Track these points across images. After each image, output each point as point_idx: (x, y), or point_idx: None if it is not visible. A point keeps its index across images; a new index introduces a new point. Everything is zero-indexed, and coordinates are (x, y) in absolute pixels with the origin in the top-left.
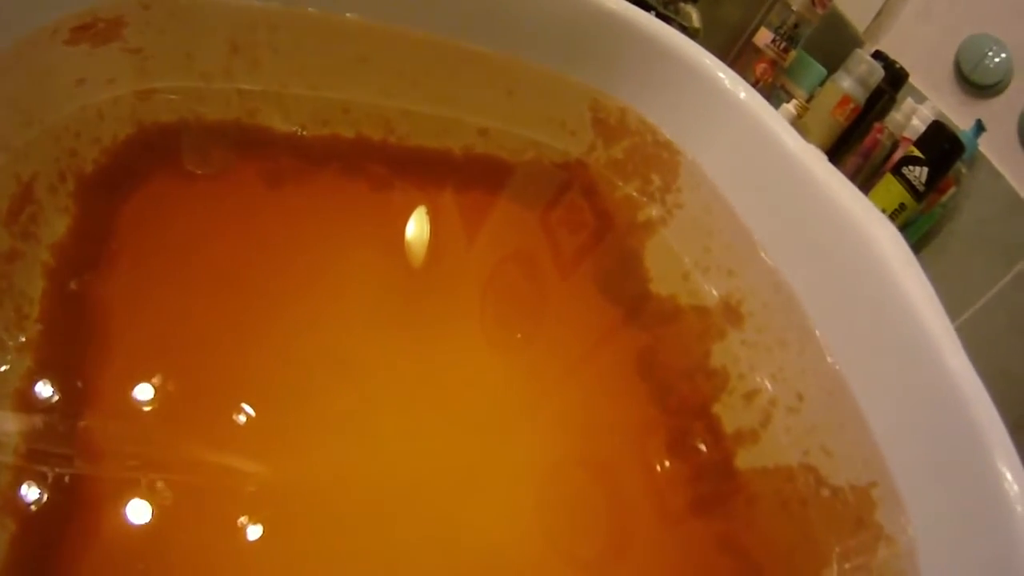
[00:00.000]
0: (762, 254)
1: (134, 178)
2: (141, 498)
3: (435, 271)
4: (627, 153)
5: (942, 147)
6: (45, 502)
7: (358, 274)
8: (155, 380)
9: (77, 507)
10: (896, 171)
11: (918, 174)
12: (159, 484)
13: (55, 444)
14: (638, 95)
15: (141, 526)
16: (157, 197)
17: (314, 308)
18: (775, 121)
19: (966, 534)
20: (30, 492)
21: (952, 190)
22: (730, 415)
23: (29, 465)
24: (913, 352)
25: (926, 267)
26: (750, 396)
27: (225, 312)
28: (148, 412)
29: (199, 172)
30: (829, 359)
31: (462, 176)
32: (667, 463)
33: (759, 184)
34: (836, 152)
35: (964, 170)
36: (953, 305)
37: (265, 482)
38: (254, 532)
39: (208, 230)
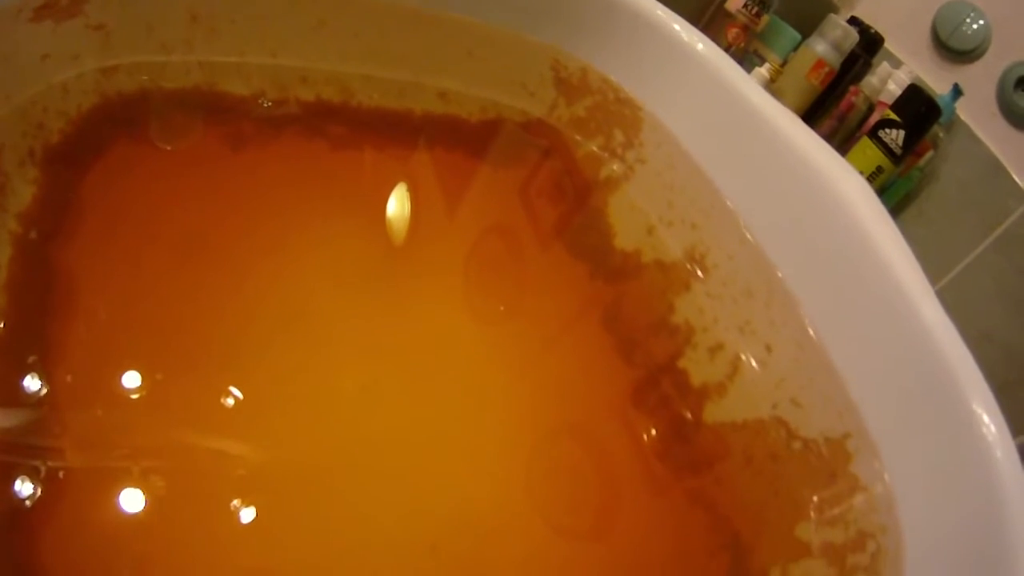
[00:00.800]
0: (727, 205)
1: (98, 147)
2: (134, 486)
3: (399, 231)
4: (589, 111)
5: (918, 110)
6: (39, 496)
7: (323, 239)
8: (124, 347)
9: (71, 499)
10: (872, 134)
11: (895, 137)
12: (151, 472)
13: (46, 438)
14: (598, 53)
15: (136, 514)
16: (121, 164)
17: (285, 273)
18: (735, 72)
19: (945, 481)
20: (24, 487)
21: (930, 154)
22: (697, 369)
23: (21, 460)
24: (884, 299)
25: (906, 231)
26: (716, 349)
27: (191, 273)
28: (135, 400)
29: (161, 139)
30: (798, 310)
31: (423, 136)
32: (636, 420)
33: (721, 136)
34: (811, 116)
35: (942, 134)
36: (934, 269)
37: (255, 464)
38: (247, 514)
39: (172, 193)
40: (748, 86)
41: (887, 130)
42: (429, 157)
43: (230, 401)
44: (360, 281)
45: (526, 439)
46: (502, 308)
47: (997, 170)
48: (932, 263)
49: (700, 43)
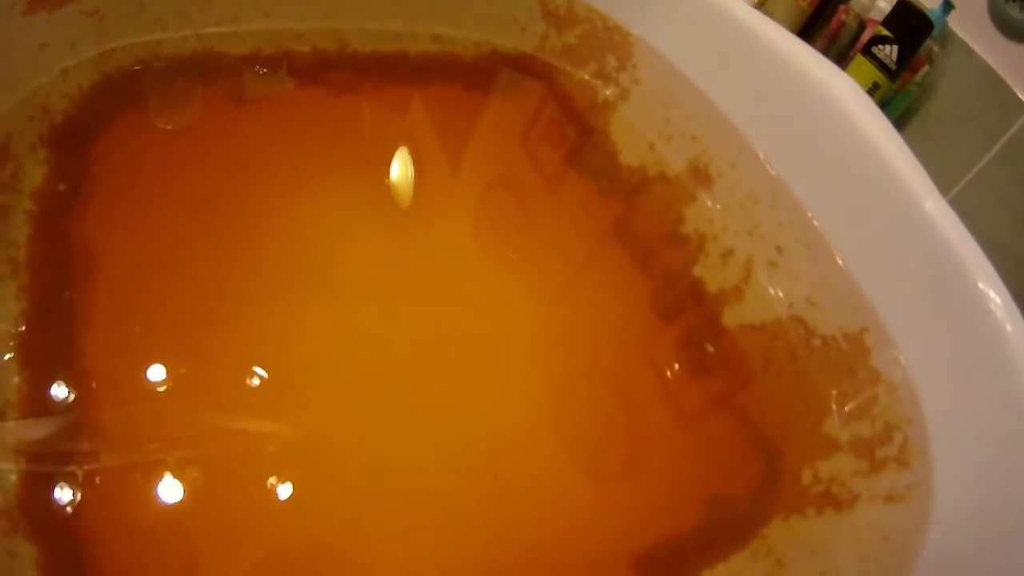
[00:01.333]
0: (723, 116)
1: (102, 121)
2: (172, 477)
3: (406, 169)
4: (580, 39)
5: (910, 24)
6: (80, 500)
7: (331, 185)
8: (143, 315)
9: (112, 498)
10: (866, 51)
11: (888, 52)
12: (186, 461)
13: (78, 442)
14: None
15: (176, 504)
16: (126, 134)
17: (297, 221)
18: None
19: (962, 363)
20: (63, 494)
21: (925, 68)
22: (712, 275)
23: (58, 468)
24: (884, 193)
25: (908, 147)
26: (728, 255)
27: (204, 230)
28: (162, 385)
29: (163, 106)
30: (804, 211)
31: (421, 75)
32: (657, 329)
33: (711, 52)
34: (802, 38)
35: (936, 48)
36: (938, 184)
37: (286, 439)
38: (284, 490)
39: (179, 155)
40: (732, 1)
41: (880, 46)
42: (428, 94)
43: (255, 379)
44: (373, 223)
45: (554, 354)
46: (517, 231)
47: (995, 82)
48: (936, 178)
49: None
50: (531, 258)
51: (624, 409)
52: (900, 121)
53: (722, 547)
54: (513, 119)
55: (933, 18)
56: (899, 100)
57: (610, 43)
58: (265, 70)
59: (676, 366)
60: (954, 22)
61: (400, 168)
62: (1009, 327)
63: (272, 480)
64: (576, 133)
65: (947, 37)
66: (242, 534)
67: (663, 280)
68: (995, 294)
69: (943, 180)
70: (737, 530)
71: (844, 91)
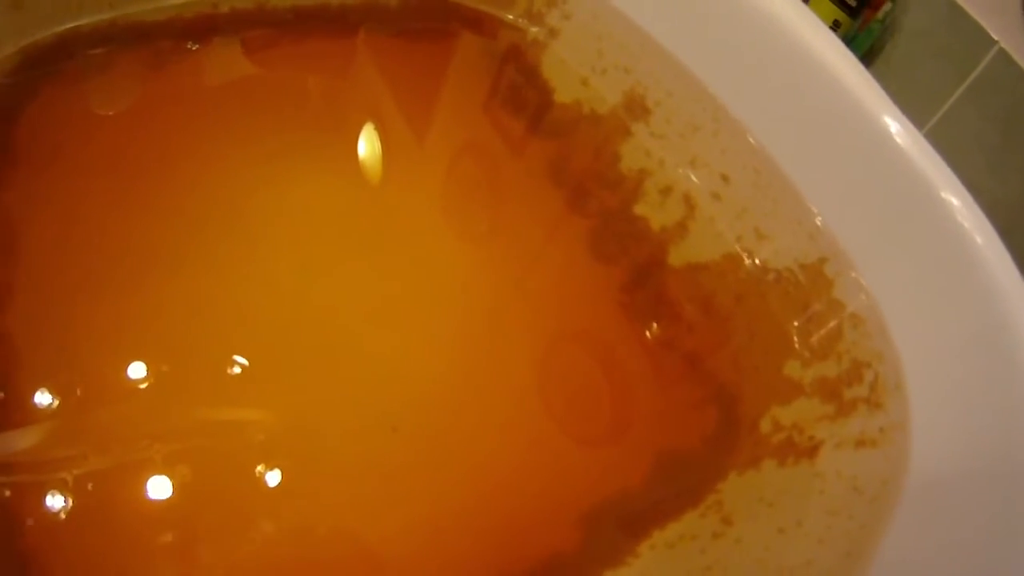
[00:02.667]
0: (658, 44)
1: (22, 98)
2: (161, 474)
3: (336, 118)
4: None
5: None
6: (72, 505)
7: (267, 149)
8: (67, 291)
9: (104, 500)
10: None
11: None
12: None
13: (66, 447)
14: None
15: (169, 500)
16: (48, 109)
17: (231, 187)
18: None
19: (933, 287)
20: (55, 501)
21: (887, 6)
22: (654, 213)
23: (47, 475)
24: (834, 108)
25: (855, 58)
26: (669, 189)
27: (133, 199)
28: (143, 389)
29: (84, 76)
30: (748, 136)
31: (342, 25)
32: (597, 272)
33: None
34: None
35: None
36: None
37: (272, 427)
38: (274, 478)
39: (103, 126)
40: None
41: None
42: (352, 44)
43: (236, 365)
44: (314, 184)
45: (488, 304)
46: (454, 180)
47: (960, 16)
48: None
49: None
50: (468, 208)
51: (570, 360)
52: (864, 60)
53: (674, 505)
54: (441, 63)
55: None
56: (862, 39)
57: None
58: (193, 45)
59: (622, 312)
60: None
61: (335, 127)
62: (979, 239)
63: (261, 468)
64: (506, 73)
65: None
66: (234, 523)
67: (601, 221)
68: (960, 203)
69: (912, 119)
70: (690, 486)
71: (785, 6)
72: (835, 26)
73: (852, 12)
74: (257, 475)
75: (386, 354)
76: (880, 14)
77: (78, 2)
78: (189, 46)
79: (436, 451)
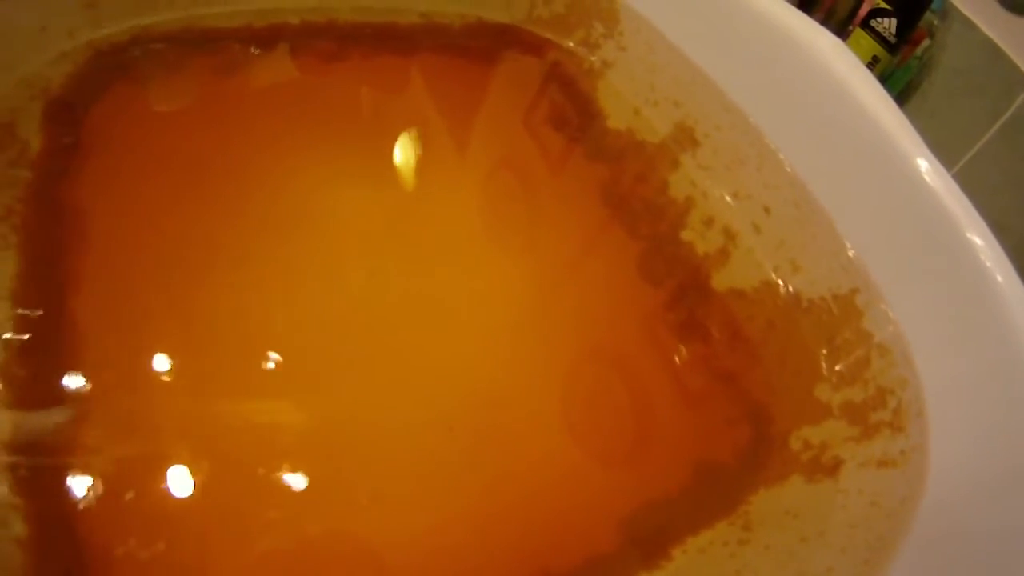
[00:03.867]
0: (709, 79)
1: (96, 93)
2: (184, 468)
3: (398, 135)
4: (568, 8)
5: None
6: (92, 492)
7: (325, 154)
8: (135, 282)
9: (124, 490)
10: (865, 24)
11: (887, 25)
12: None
13: (87, 435)
14: None
15: (191, 495)
16: (119, 105)
17: (290, 188)
18: None
19: (955, 320)
20: (75, 485)
21: (926, 42)
22: (699, 239)
23: (68, 460)
24: (871, 148)
25: (910, 123)
26: (713, 219)
27: (197, 197)
28: (168, 381)
29: (155, 77)
30: (789, 170)
31: (409, 44)
32: (644, 291)
33: (695, 15)
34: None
35: (936, 22)
36: (941, 160)
37: (301, 430)
38: (300, 481)
39: (171, 125)
40: None
41: (879, 19)
42: (418, 63)
43: (270, 361)
44: (364, 191)
45: (540, 317)
46: (507, 196)
47: (997, 56)
48: (939, 154)
49: None
50: (522, 221)
51: (612, 373)
52: (901, 96)
53: (708, 513)
54: (503, 85)
55: None
56: (900, 74)
57: (597, 11)
58: (259, 51)
59: (665, 330)
60: None
61: (391, 137)
62: (1000, 277)
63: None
64: (564, 98)
65: (947, 10)
66: (253, 523)
67: (650, 243)
68: (983, 242)
69: (945, 156)
70: (724, 497)
71: (827, 48)
72: (874, 61)
73: (891, 48)
74: (319, 464)
75: (440, 356)
76: (918, 51)
77: (152, 2)
78: (253, 51)
79: (488, 450)
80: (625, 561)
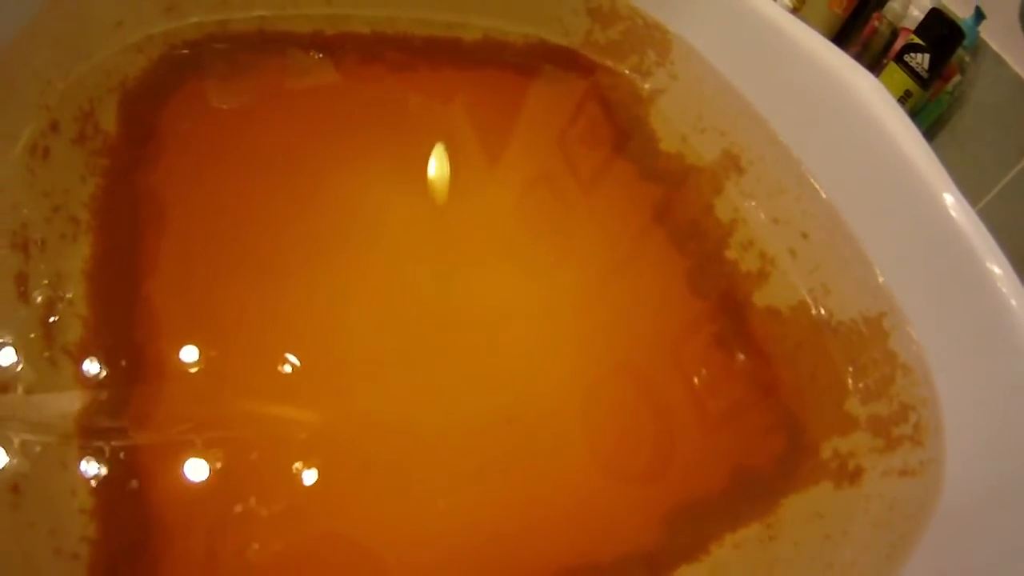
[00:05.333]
0: (754, 110)
1: (171, 86)
2: (199, 458)
3: (460, 143)
4: (623, 35)
5: (941, 33)
6: (105, 475)
7: (386, 156)
8: (206, 267)
9: (138, 475)
10: (899, 59)
11: (920, 60)
12: (214, 442)
13: (108, 418)
14: None
15: (202, 484)
16: (193, 100)
17: (352, 187)
18: None
19: (973, 344)
20: (89, 468)
21: (957, 78)
22: (742, 257)
23: (85, 442)
24: (902, 183)
25: (939, 156)
26: (754, 240)
27: (264, 189)
28: (195, 373)
29: (228, 75)
30: (826, 198)
31: (473, 60)
32: (692, 304)
33: (743, 49)
34: (836, 44)
35: (968, 58)
36: (969, 192)
37: (315, 428)
38: (310, 476)
39: (242, 121)
40: (762, 2)
41: (912, 54)
42: (481, 78)
43: (287, 368)
44: (419, 198)
45: (594, 320)
46: (565, 206)
47: None
48: (967, 187)
49: None
50: (577, 231)
51: (659, 380)
52: (931, 130)
53: (744, 513)
54: (561, 104)
55: (965, 28)
56: (931, 109)
57: (650, 39)
58: (321, 55)
59: (710, 342)
60: (986, 32)
61: (452, 147)
62: (1014, 302)
63: (298, 465)
64: (620, 121)
65: (979, 47)
66: (265, 515)
67: (697, 260)
68: (1001, 271)
69: (973, 190)
70: (759, 499)
71: (866, 88)
72: (906, 96)
73: (923, 83)
74: (401, 452)
75: (505, 353)
76: (950, 86)
77: (227, 3)
78: (322, 56)
79: (544, 445)
80: (668, 553)
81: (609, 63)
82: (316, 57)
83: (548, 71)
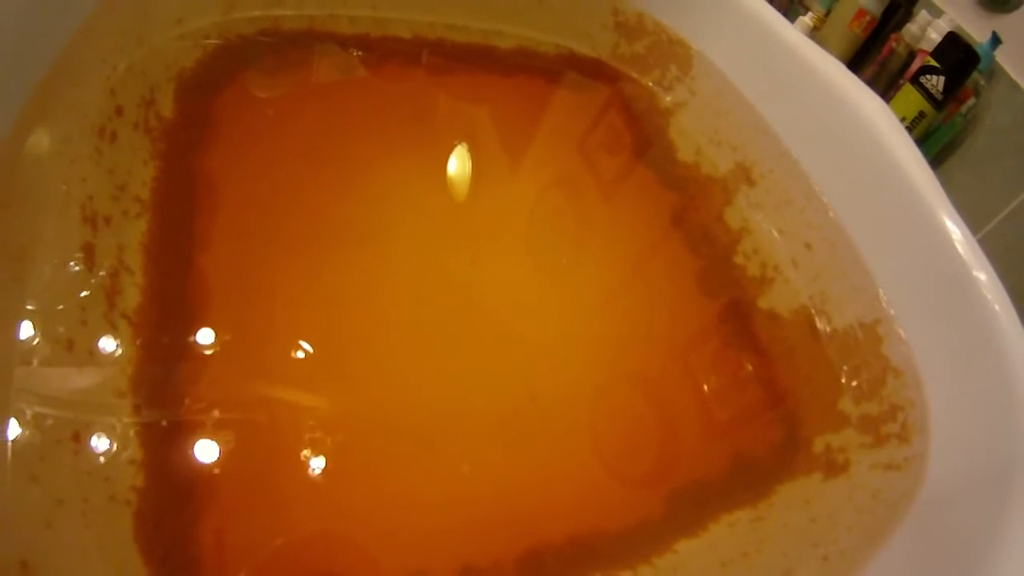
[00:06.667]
0: (767, 126)
1: (225, 78)
2: (208, 439)
3: (491, 143)
4: (647, 49)
5: (957, 57)
6: (115, 451)
7: (425, 151)
8: (257, 246)
9: (147, 453)
10: (914, 80)
11: (935, 83)
12: (225, 424)
13: (159, 378)
14: (651, 0)
15: (209, 466)
16: (246, 91)
17: (391, 177)
18: (770, 13)
19: (960, 351)
20: (100, 443)
21: (971, 101)
22: (749, 263)
23: (97, 418)
24: (902, 199)
25: (951, 177)
26: (761, 248)
27: (311, 177)
28: (211, 354)
29: (279, 71)
30: (831, 213)
31: (507, 66)
32: (702, 303)
33: (760, 68)
34: (855, 64)
35: (983, 82)
36: (978, 214)
37: (325, 415)
38: (309, 471)
39: (291, 115)
40: (782, 24)
41: (928, 76)
42: (514, 84)
43: (299, 355)
44: (445, 194)
45: (612, 310)
46: (590, 207)
47: None
48: (978, 208)
49: None
50: (597, 231)
51: (670, 372)
52: (944, 151)
53: (741, 496)
54: (587, 112)
55: (980, 52)
56: (944, 130)
57: (673, 55)
58: (361, 53)
59: (718, 339)
60: (1002, 56)
61: (480, 147)
62: (997, 307)
63: (306, 452)
64: (641, 130)
65: (994, 71)
66: (274, 499)
67: (708, 263)
68: (986, 277)
69: (982, 212)
70: (755, 484)
71: (874, 110)
72: (920, 116)
73: (937, 105)
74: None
75: (531, 341)
76: (964, 108)
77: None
78: (367, 56)
79: (562, 423)
80: (669, 527)
81: (634, 75)
82: (357, 56)
83: (575, 80)
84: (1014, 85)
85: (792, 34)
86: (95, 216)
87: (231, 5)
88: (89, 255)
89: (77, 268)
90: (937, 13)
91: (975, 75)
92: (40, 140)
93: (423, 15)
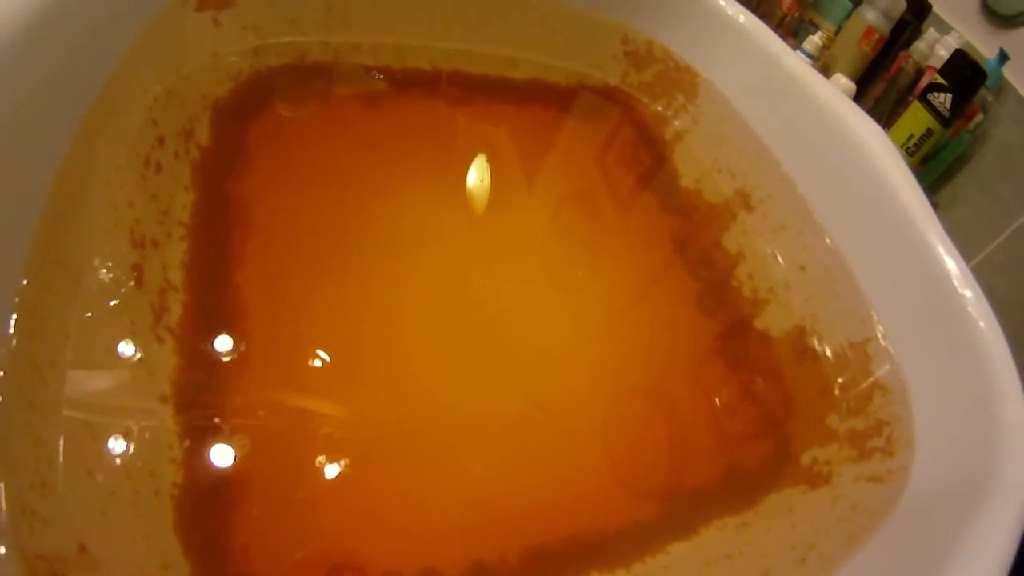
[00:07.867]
0: (768, 151)
1: (257, 107)
2: (224, 444)
3: (505, 170)
4: (656, 77)
5: (964, 74)
6: (131, 453)
7: (445, 176)
8: (291, 265)
9: (186, 453)
10: (922, 98)
11: (943, 100)
12: (254, 428)
13: (200, 385)
14: (660, 29)
15: (241, 464)
16: (278, 121)
17: (412, 202)
18: (773, 40)
19: (947, 371)
20: (117, 445)
21: (979, 117)
22: (746, 284)
23: (115, 421)
24: (895, 223)
25: (958, 194)
26: (756, 271)
27: (338, 203)
28: (244, 364)
29: (306, 101)
30: (825, 235)
31: (521, 96)
32: (698, 321)
33: (762, 93)
34: (864, 81)
35: (990, 98)
36: (986, 230)
37: (346, 420)
38: (332, 470)
39: (319, 144)
40: (784, 51)
41: (935, 94)
42: (528, 113)
43: (316, 363)
44: (461, 216)
45: (613, 329)
46: (592, 230)
47: None
48: (985, 225)
49: (742, 16)
50: (604, 252)
51: (669, 387)
52: (953, 167)
53: (730, 504)
54: (596, 139)
55: (988, 69)
56: (952, 147)
57: (680, 83)
58: (381, 75)
59: (716, 357)
60: (1009, 73)
61: (495, 170)
62: (983, 324)
63: (321, 459)
64: (647, 155)
65: (1002, 88)
66: (287, 506)
67: (707, 284)
68: (973, 295)
69: (991, 227)
70: (744, 493)
71: (869, 135)
72: (928, 134)
73: (945, 122)
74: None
75: (540, 354)
76: (971, 125)
77: (301, 28)
78: (388, 87)
79: (567, 432)
80: (662, 530)
81: (643, 101)
82: (380, 80)
83: (585, 107)
84: (1022, 101)
85: (795, 62)
86: (143, 239)
87: (260, 51)
88: (138, 273)
89: (127, 285)
90: (945, 30)
91: (983, 91)
92: (91, 167)
93: (440, 41)
